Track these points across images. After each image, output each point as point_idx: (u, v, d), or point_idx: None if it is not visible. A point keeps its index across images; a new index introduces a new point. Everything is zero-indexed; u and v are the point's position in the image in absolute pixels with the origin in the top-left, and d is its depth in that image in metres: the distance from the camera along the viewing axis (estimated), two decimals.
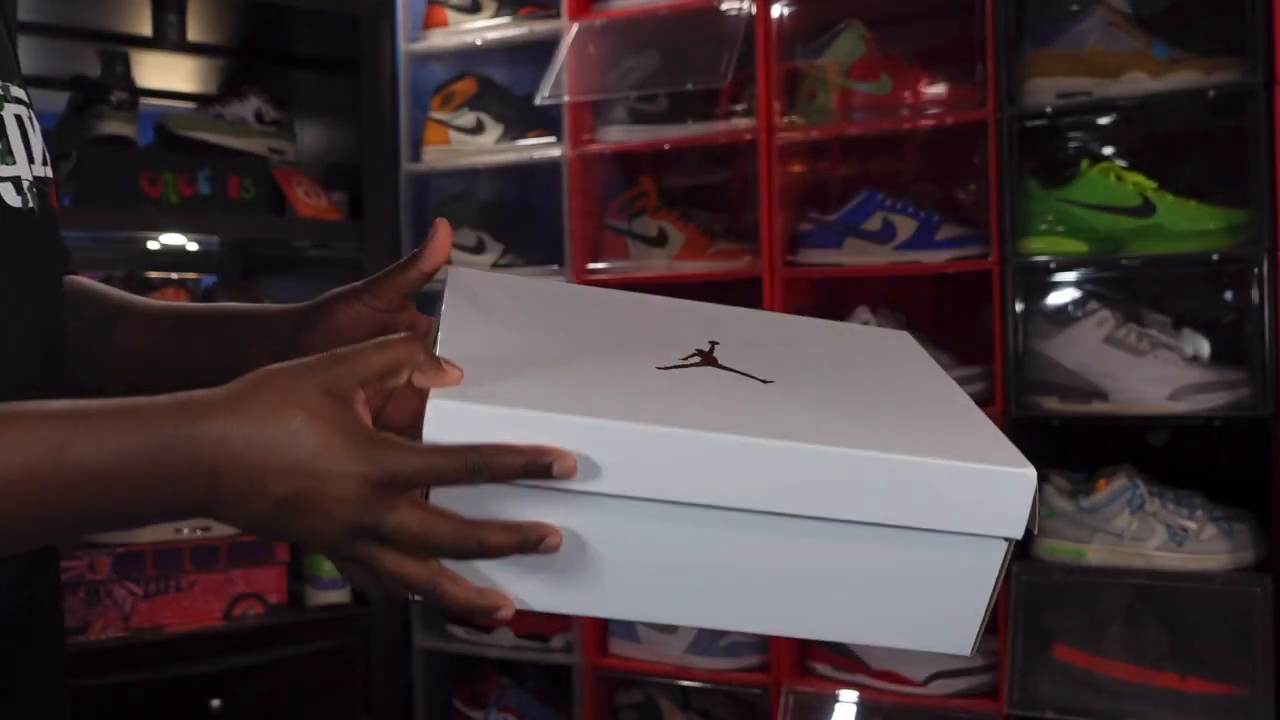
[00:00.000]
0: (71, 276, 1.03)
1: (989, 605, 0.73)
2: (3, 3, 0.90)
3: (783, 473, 0.69)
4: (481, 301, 0.87)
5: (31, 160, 0.84)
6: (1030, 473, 0.70)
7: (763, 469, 0.69)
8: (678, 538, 0.71)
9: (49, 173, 0.87)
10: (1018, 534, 0.71)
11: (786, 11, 2.21)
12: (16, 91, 0.86)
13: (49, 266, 0.87)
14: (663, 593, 0.72)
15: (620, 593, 0.72)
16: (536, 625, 2.43)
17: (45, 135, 0.90)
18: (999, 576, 0.72)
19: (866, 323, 2.15)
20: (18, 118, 0.84)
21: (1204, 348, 1.98)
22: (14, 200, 0.82)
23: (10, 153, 0.82)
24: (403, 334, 0.74)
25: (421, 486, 0.68)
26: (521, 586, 0.71)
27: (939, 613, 0.73)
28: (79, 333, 0.96)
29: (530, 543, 0.68)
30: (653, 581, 0.72)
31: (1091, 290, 2.04)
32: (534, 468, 0.67)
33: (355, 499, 0.67)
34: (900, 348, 0.95)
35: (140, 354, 0.96)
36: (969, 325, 2.17)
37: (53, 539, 0.70)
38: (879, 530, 0.71)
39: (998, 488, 0.71)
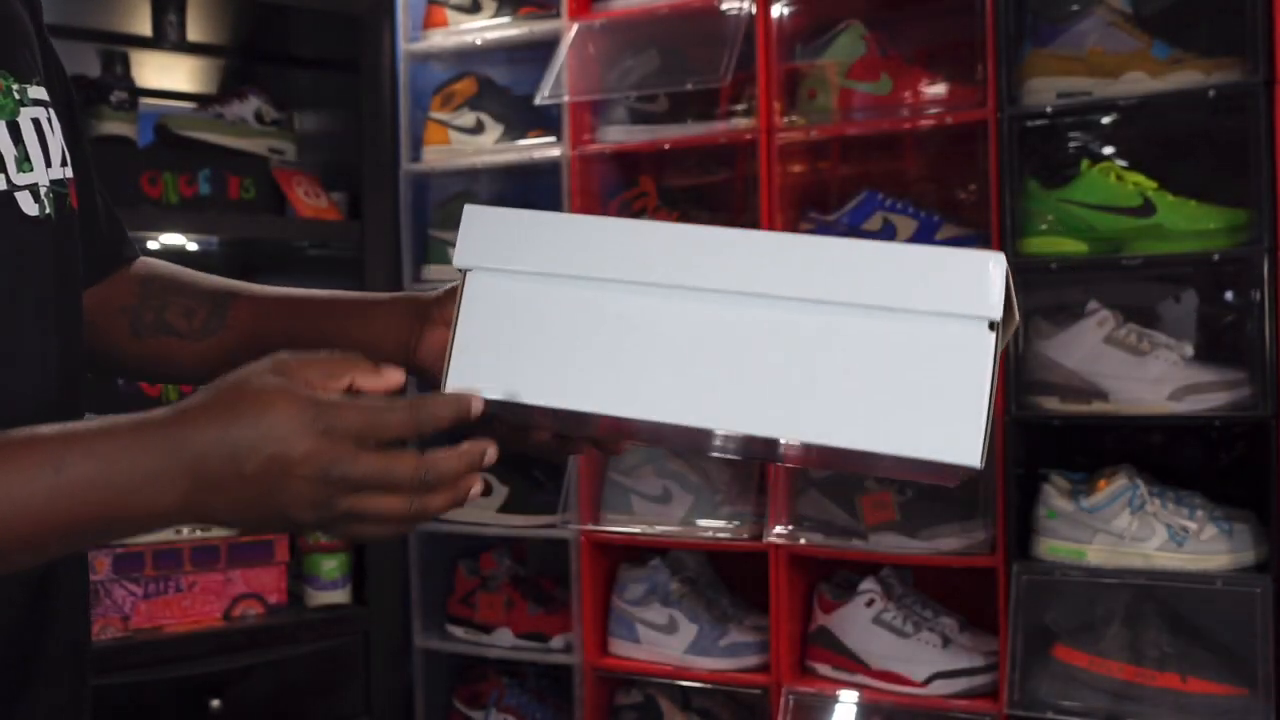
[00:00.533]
0: (152, 260, 1.06)
1: (989, 405, 0.74)
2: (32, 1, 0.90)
3: (746, 255, 0.77)
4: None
5: (49, 163, 0.85)
6: (998, 254, 0.74)
7: (725, 251, 0.78)
8: (671, 322, 0.78)
9: (67, 172, 0.88)
10: (995, 314, 0.73)
11: (786, 11, 2.21)
12: (35, 92, 0.85)
13: (66, 272, 0.88)
14: (658, 385, 0.78)
15: (619, 383, 0.78)
16: (536, 625, 2.44)
17: None
18: (993, 370, 0.74)
19: None
20: (35, 121, 0.84)
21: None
22: (31, 209, 0.83)
23: (28, 159, 0.83)
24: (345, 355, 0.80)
25: (374, 440, 0.74)
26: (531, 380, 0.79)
27: (937, 410, 0.74)
28: (193, 312, 1.00)
29: (477, 462, 0.76)
30: (652, 372, 0.78)
31: (1091, 290, 2.04)
32: (458, 410, 0.77)
33: (317, 453, 0.72)
34: None
35: (257, 333, 0.99)
36: None
37: (62, 552, 0.76)
38: (857, 310, 0.75)
39: (965, 266, 0.74)
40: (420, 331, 0.93)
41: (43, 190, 0.84)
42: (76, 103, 1.00)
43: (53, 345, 0.86)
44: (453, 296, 0.91)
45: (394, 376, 0.78)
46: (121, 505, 0.71)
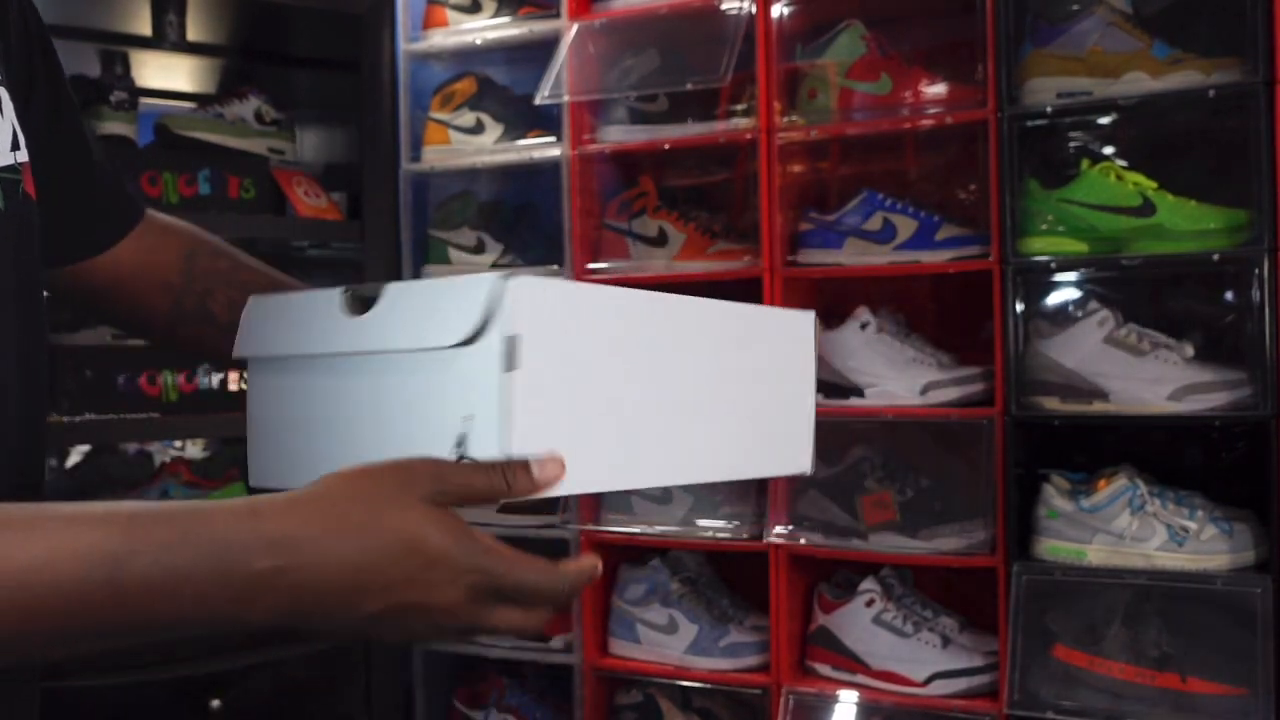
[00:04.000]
0: (196, 232, 1.04)
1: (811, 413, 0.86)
2: None
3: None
4: None
5: None
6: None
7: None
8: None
9: (19, 157, 0.80)
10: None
11: (786, 11, 2.21)
12: None
13: (21, 267, 0.82)
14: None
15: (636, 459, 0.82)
16: None
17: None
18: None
19: (865, 324, 2.15)
20: None
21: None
22: None
23: None
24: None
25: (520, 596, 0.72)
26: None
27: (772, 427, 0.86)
28: (238, 306, 0.94)
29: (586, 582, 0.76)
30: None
31: (1091, 290, 2.04)
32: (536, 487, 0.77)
33: (459, 608, 0.69)
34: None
35: None
36: (969, 325, 2.17)
37: (104, 647, 0.66)
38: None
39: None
40: None
41: None
42: (60, 66, 0.93)
43: (10, 345, 0.79)
44: None
45: (551, 470, 0.76)
46: (191, 612, 0.63)
